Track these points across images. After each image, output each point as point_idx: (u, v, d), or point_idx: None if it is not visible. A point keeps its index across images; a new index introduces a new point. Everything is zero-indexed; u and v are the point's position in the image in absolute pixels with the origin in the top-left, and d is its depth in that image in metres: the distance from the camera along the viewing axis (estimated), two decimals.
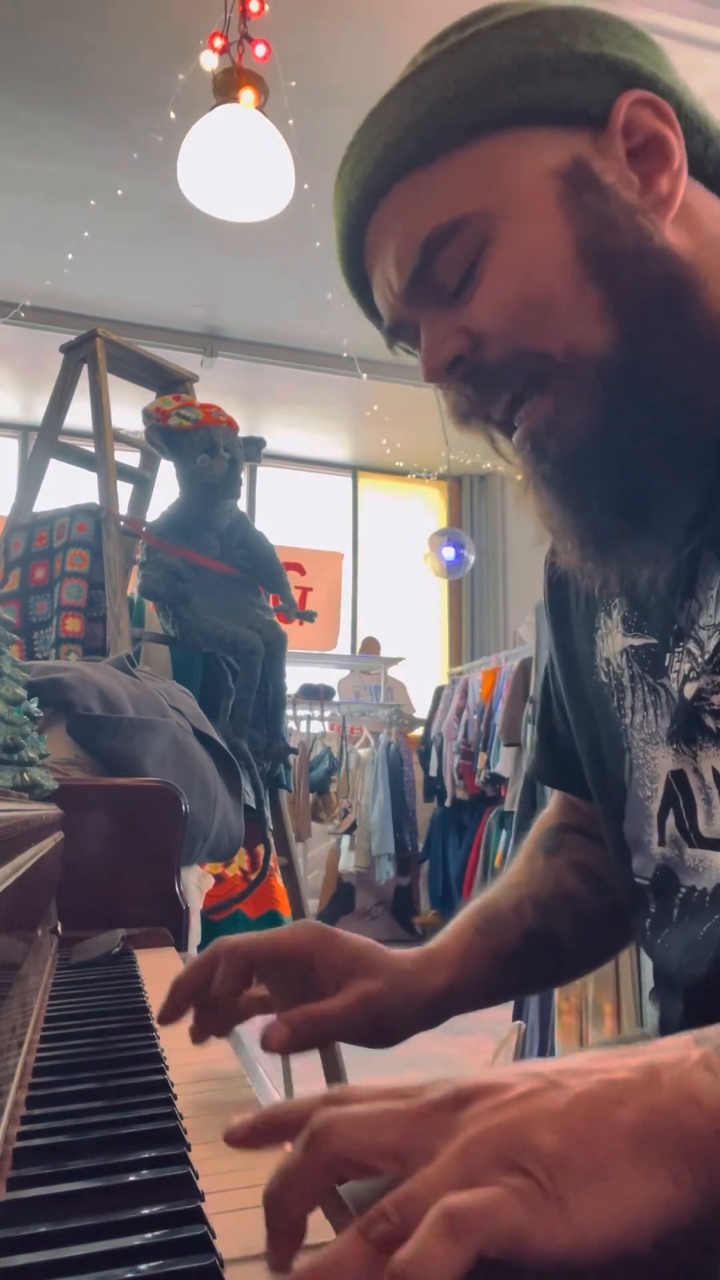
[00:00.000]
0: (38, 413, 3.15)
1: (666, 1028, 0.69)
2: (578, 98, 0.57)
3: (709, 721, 0.58)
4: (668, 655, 0.61)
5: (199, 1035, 0.62)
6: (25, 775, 0.80)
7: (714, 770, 0.58)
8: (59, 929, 0.97)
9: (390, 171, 0.59)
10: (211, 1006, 0.61)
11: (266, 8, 2.97)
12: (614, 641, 0.67)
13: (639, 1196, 0.30)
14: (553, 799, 0.82)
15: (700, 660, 0.58)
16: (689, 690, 0.59)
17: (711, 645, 0.58)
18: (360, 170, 0.61)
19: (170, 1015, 0.61)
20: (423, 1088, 0.34)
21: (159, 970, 0.85)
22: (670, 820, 0.62)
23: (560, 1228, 0.29)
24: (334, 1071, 2.28)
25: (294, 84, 3.14)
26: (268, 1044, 0.57)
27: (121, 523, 2.59)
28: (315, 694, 5.54)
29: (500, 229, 0.56)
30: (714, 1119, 0.31)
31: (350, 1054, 1.76)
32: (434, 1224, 0.28)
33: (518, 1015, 2.57)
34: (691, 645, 0.59)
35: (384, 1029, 0.64)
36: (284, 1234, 0.33)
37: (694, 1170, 0.31)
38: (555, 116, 0.57)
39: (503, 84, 0.57)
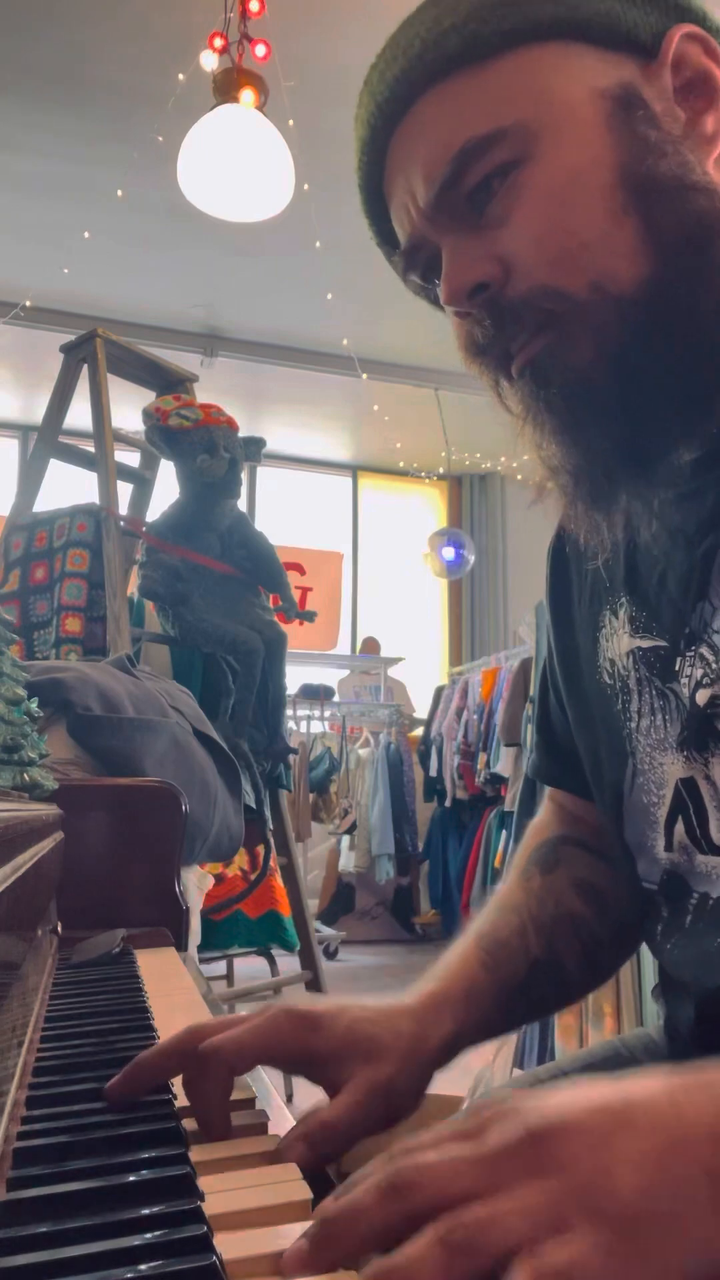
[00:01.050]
0: (38, 413, 3.15)
1: (673, 1026, 0.69)
2: (628, 20, 0.55)
3: None
4: (678, 659, 0.59)
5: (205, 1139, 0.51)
6: (25, 775, 0.80)
7: None
8: (59, 929, 0.97)
9: (426, 72, 0.55)
10: (208, 1119, 0.48)
11: (266, 8, 2.97)
12: (620, 642, 0.64)
13: (717, 1239, 0.30)
14: (544, 807, 0.79)
15: (715, 666, 0.56)
16: (701, 697, 0.57)
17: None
18: (392, 70, 0.57)
19: (119, 1092, 0.48)
20: (485, 1124, 0.33)
21: (159, 970, 0.85)
22: (679, 827, 0.60)
23: (643, 1276, 0.29)
24: None
25: (294, 84, 3.14)
26: (288, 1158, 0.46)
27: (121, 523, 2.59)
28: (315, 694, 5.54)
29: (542, 145, 0.53)
30: None
31: None
32: (530, 1275, 0.28)
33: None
34: (705, 650, 0.57)
35: (400, 1108, 0.55)
36: (326, 1259, 0.32)
37: None
38: (604, 36, 0.55)
39: None
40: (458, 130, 0.54)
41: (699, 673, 0.57)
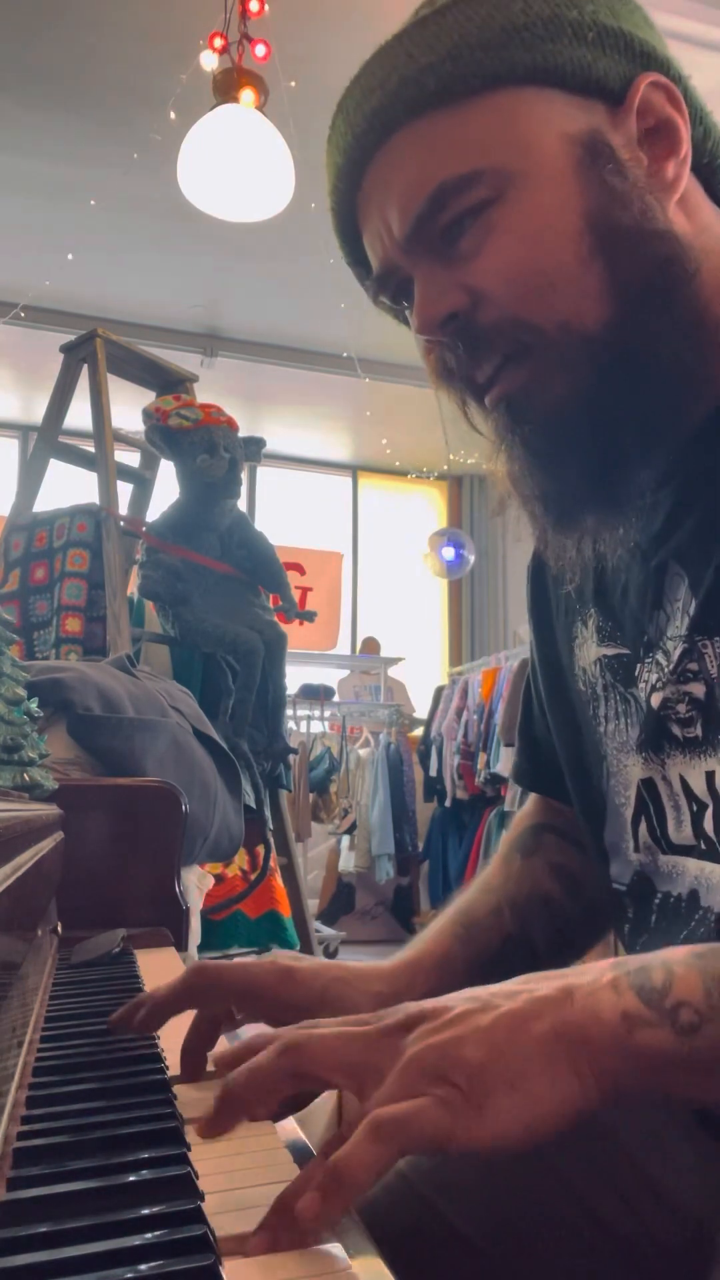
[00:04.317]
0: (38, 413, 3.15)
1: None
2: (598, 68, 0.57)
3: (675, 730, 0.59)
4: (638, 665, 0.62)
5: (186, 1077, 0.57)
6: (25, 775, 0.80)
7: (681, 778, 0.59)
8: (59, 929, 0.97)
9: (404, 108, 0.57)
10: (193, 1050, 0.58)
11: (266, 8, 2.96)
12: (589, 651, 0.67)
13: (548, 1097, 0.38)
14: (530, 798, 0.82)
15: (666, 670, 0.59)
16: (655, 700, 0.59)
17: (676, 655, 0.58)
18: (370, 103, 0.58)
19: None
20: (381, 1015, 0.41)
21: (159, 970, 0.85)
22: (643, 827, 0.63)
23: (478, 1126, 0.37)
24: None
25: (294, 84, 3.14)
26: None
27: (121, 523, 2.59)
28: (315, 694, 5.54)
29: (514, 188, 0.55)
30: (611, 1030, 0.39)
31: None
32: (363, 1130, 0.36)
33: None
34: (659, 656, 0.60)
35: None
36: (227, 1112, 0.41)
37: (595, 1073, 0.38)
38: (574, 83, 0.57)
39: (528, 38, 0.56)
40: (434, 168, 0.56)
41: (654, 677, 0.60)
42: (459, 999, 0.40)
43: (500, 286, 0.56)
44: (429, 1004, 0.41)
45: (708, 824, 0.58)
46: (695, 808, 0.59)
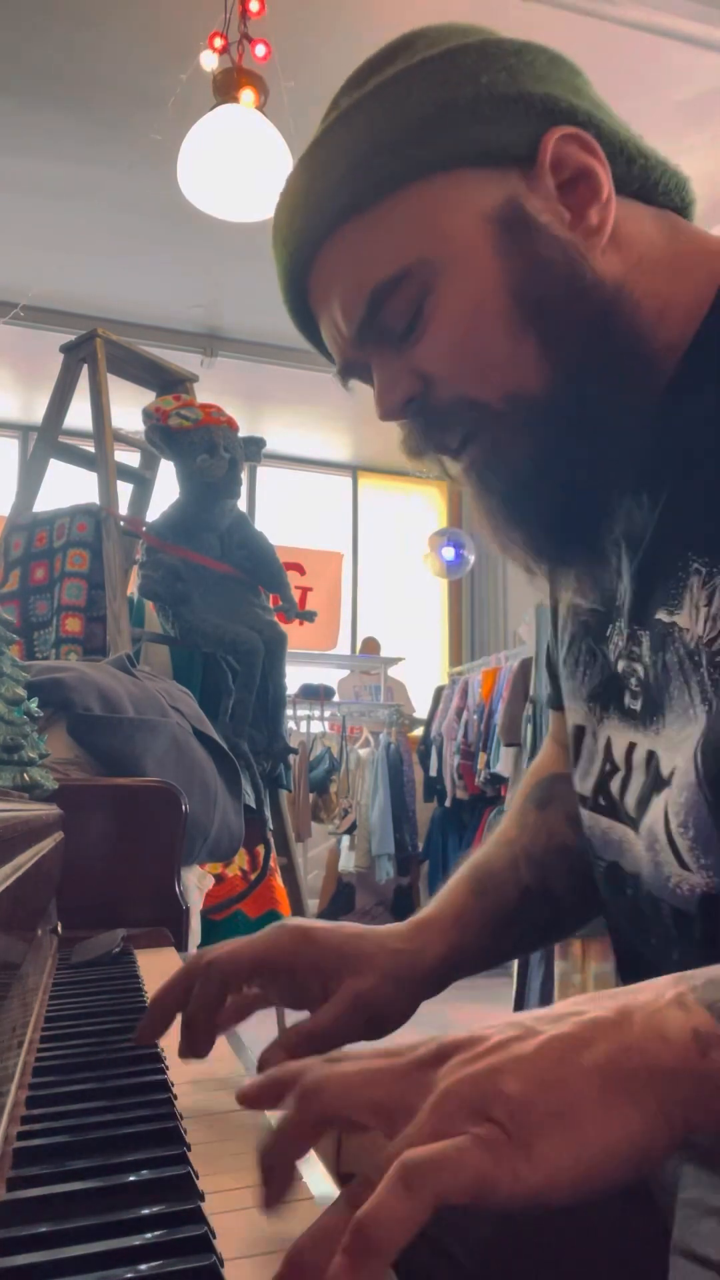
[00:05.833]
0: (38, 413, 3.15)
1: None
2: (501, 139, 0.58)
3: (626, 698, 0.61)
4: (609, 626, 0.64)
5: (185, 1052, 0.60)
6: (25, 775, 0.80)
7: (609, 739, 0.62)
8: (59, 929, 0.97)
9: (326, 222, 0.60)
10: (191, 1025, 0.59)
11: (266, 8, 2.97)
12: (568, 595, 0.70)
13: (606, 1135, 0.31)
14: (545, 748, 0.83)
15: (624, 641, 0.61)
16: (620, 665, 0.62)
17: (625, 635, 0.61)
18: (297, 221, 0.62)
19: (147, 1034, 0.59)
20: (413, 1046, 0.36)
21: (159, 970, 0.85)
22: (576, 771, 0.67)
23: (526, 1169, 0.30)
24: None
25: (294, 84, 3.14)
26: (268, 1066, 0.55)
27: (121, 523, 2.59)
28: (315, 694, 5.54)
29: (440, 277, 0.58)
30: (681, 1053, 0.33)
31: None
32: (392, 1177, 0.30)
33: (518, 1009, 2.57)
34: (621, 624, 0.62)
35: (383, 1021, 0.63)
36: (274, 1180, 0.36)
37: (663, 1104, 0.32)
38: (481, 160, 0.58)
39: (425, 133, 0.58)
40: (364, 274, 0.59)
41: (621, 643, 0.62)
42: (498, 1026, 0.35)
43: (445, 369, 0.59)
44: (464, 1034, 0.36)
45: (614, 786, 0.61)
46: (608, 767, 0.62)
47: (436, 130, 0.58)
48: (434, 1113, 0.32)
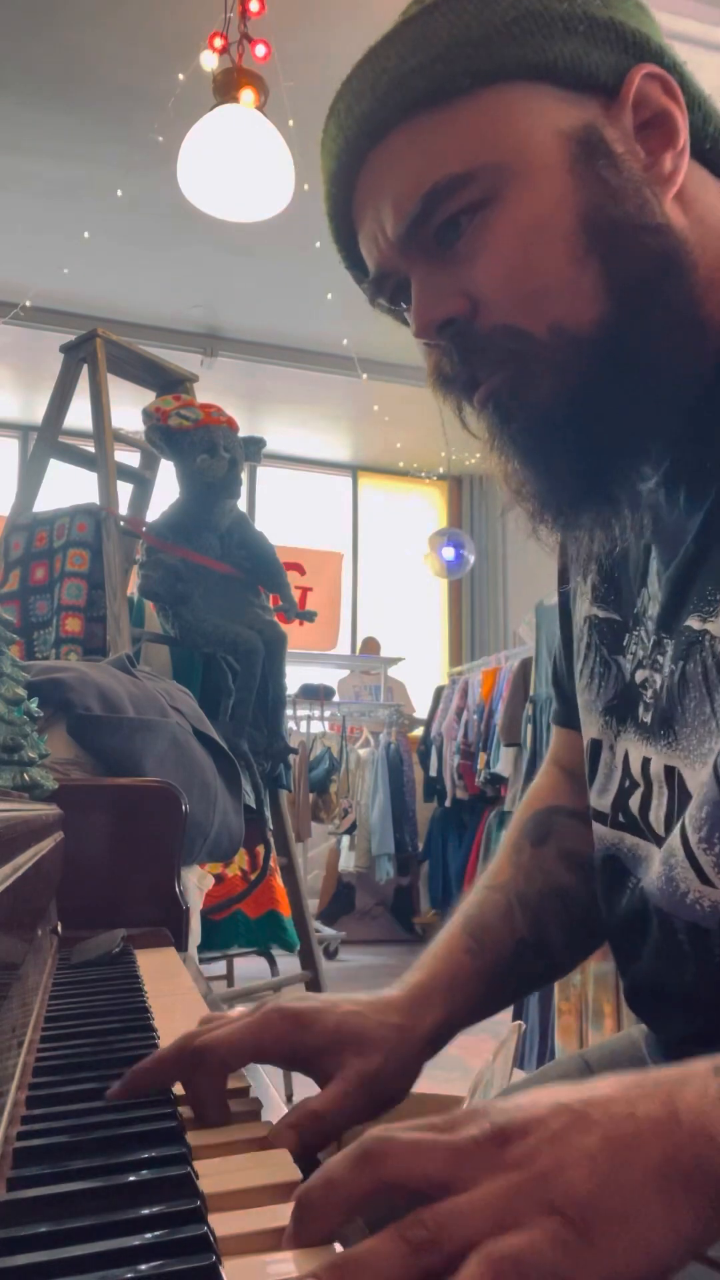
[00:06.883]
0: (38, 413, 3.15)
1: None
2: (590, 61, 0.56)
3: (640, 709, 0.60)
4: (627, 635, 0.62)
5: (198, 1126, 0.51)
6: (25, 775, 0.80)
7: (626, 753, 0.61)
8: (59, 929, 0.97)
9: (395, 110, 0.56)
10: (202, 1111, 0.51)
11: (266, 8, 2.97)
12: (583, 607, 0.68)
13: (665, 1234, 0.32)
14: (544, 771, 0.80)
15: (647, 649, 0.60)
16: (638, 676, 0.60)
17: (650, 642, 0.59)
18: (360, 107, 0.58)
19: (120, 1095, 0.50)
20: (457, 1121, 0.36)
21: (159, 970, 0.85)
22: (594, 787, 0.65)
23: (593, 1262, 0.31)
24: None
25: (294, 84, 3.14)
26: (277, 1145, 0.48)
27: (121, 523, 2.59)
28: (315, 694, 5.54)
29: (509, 187, 0.55)
30: None
31: None
32: (483, 1262, 0.30)
33: (518, 1015, 2.58)
34: (642, 633, 0.60)
35: (389, 1099, 0.58)
36: (310, 1223, 0.35)
37: (712, 1202, 0.32)
38: (567, 78, 0.56)
39: (517, 34, 0.55)
40: (427, 169, 0.56)
41: (640, 652, 0.61)
42: (546, 1104, 0.35)
43: (497, 291, 0.56)
44: (517, 1115, 0.35)
45: (633, 802, 0.60)
46: (627, 783, 0.61)
47: (525, 34, 0.55)
48: (509, 1203, 0.32)
